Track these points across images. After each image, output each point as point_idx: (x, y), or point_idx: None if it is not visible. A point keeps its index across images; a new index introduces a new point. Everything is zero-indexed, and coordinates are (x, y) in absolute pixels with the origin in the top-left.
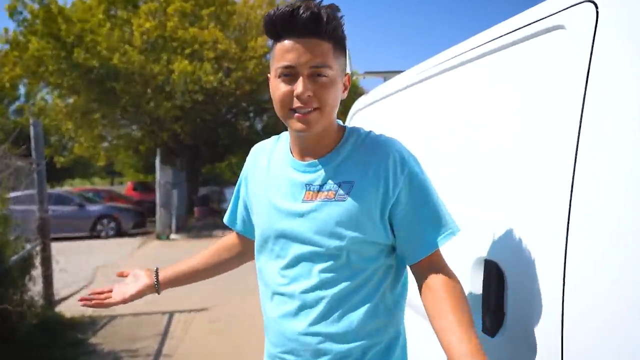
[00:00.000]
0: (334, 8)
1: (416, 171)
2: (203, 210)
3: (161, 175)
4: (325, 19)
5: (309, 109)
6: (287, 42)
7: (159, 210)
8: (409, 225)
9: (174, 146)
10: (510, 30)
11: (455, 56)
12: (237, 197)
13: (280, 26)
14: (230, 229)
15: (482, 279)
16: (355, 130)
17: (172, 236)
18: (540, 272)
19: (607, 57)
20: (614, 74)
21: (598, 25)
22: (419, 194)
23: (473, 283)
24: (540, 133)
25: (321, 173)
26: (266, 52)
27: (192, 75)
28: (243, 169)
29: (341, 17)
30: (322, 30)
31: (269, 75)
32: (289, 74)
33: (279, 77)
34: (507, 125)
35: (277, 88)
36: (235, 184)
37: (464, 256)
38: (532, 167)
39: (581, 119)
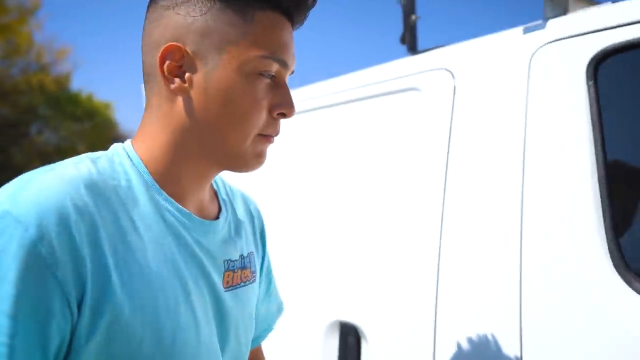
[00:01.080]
0: None
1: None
2: None
3: None
4: None
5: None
6: (280, 20)
7: None
8: (260, 302)
9: None
10: (359, 86)
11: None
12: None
13: None
14: None
15: (337, 346)
16: None
17: None
18: (409, 338)
19: (465, 122)
20: (473, 137)
21: (456, 92)
22: (268, 262)
23: (325, 352)
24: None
25: (232, 240)
26: None
27: None
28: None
29: None
30: (307, 11)
31: (198, 56)
32: (271, 76)
33: (260, 73)
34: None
35: (256, 92)
36: None
37: (314, 318)
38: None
39: (445, 185)
